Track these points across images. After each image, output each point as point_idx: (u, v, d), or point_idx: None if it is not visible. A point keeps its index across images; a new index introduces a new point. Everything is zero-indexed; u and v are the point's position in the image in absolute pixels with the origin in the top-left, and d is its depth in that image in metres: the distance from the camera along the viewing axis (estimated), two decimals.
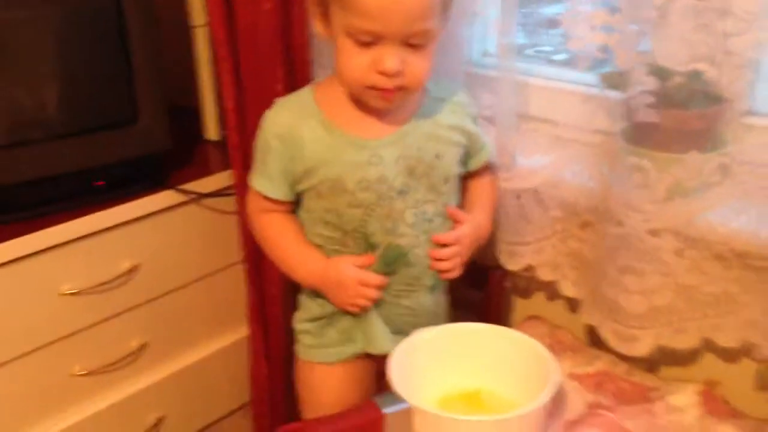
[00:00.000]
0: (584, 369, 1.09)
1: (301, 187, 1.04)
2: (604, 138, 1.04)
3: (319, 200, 1.03)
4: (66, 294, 1.24)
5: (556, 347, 1.13)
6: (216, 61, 1.30)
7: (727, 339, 1.02)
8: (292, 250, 1.07)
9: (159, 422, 1.44)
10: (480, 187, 1.13)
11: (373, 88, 0.96)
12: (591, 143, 1.06)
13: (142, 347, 1.39)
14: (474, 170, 1.11)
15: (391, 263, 1.04)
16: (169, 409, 1.45)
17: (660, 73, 0.95)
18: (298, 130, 1.01)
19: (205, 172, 1.39)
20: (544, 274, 1.16)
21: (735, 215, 0.96)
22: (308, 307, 1.12)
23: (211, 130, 1.50)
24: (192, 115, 1.51)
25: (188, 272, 1.41)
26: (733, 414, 1.00)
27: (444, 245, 1.05)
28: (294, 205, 1.08)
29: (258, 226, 1.11)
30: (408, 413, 0.88)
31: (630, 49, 0.95)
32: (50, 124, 1.19)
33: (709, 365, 1.11)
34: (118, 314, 1.33)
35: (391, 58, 0.92)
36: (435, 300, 1.10)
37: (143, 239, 1.32)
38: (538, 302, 1.28)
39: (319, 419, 0.96)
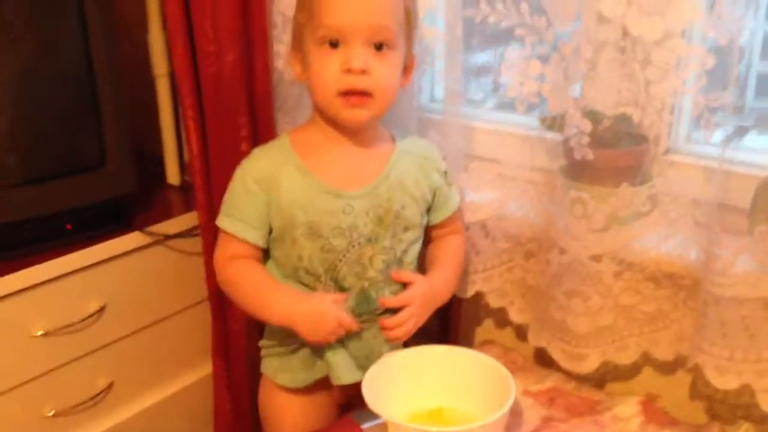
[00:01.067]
0: (537, 387, 1.17)
1: (275, 233, 1.08)
2: (545, 175, 1.14)
3: (293, 247, 1.07)
4: (37, 336, 1.27)
5: (510, 367, 1.19)
6: (182, 109, 1.36)
7: (663, 353, 1.13)
8: (265, 288, 1.07)
9: None
10: (443, 245, 1.18)
11: (342, 94, 1.02)
12: (533, 180, 1.16)
13: (109, 387, 1.42)
14: (438, 223, 1.16)
15: (362, 309, 1.09)
16: None
17: (592, 116, 1.07)
18: (276, 175, 1.06)
19: (168, 214, 1.45)
20: (493, 301, 1.25)
21: (664, 240, 1.08)
22: (275, 332, 1.15)
23: (173, 176, 1.56)
24: (153, 160, 1.57)
25: (154, 312, 1.46)
26: (671, 422, 1.09)
27: (392, 309, 1.09)
28: (263, 254, 1.11)
29: (227, 271, 1.10)
30: (383, 427, 0.95)
31: (562, 96, 1.06)
32: (22, 169, 1.23)
33: (649, 379, 1.21)
34: (86, 354, 1.36)
35: (357, 55, 1.00)
36: None
37: (110, 280, 1.36)
38: (489, 328, 1.38)
39: None
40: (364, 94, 1.02)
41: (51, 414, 1.33)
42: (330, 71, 1.01)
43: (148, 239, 1.39)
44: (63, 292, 1.29)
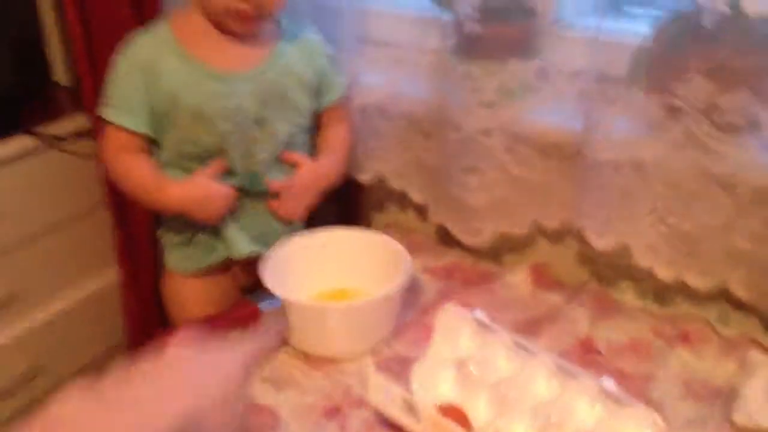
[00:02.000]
0: (435, 263, 1.22)
1: (159, 120, 1.07)
2: (438, 55, 1.15)
3: (177, 131, 1.07)
4: None
5: (411, 248, 1.22)
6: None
7: (551, 222, 1.17)
8: (151, 179, 1.08)
9: (34, 371, 1.44)
10: (330, 131, 1.20)
11: (231, 12, 1.01)
12: (426, 61, 1.17)
13: (11, 297, 1.39)
14: (326, 109, 1.18)
15: (252, 188, 1.12)
16: (44, 358, 1.45)
17: None
18: (157, 61, 1.05)
19: (57, 115, 1.39)
20: (393, 182, 1.27)
21: (551, 113, 1.11)
22: (171, 221, 1.17)
23: (60, 74, 1.48)
24: (39, 59, 1.48)
25: (49, 219, 1.42)
26: (557, 285, 1.16)
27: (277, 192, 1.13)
28: (150, 143, 1.10)
29: (116, 164, 1.10)
30: (282, 308, 0.97)
31: None
32: None
33: (541, 249, 1.26)
34: None
35: None
36: None
37: (1, 186, 1.31)
38: (394, 212, 1.40)
39: (197, 319, 1.03)
40: (255, 13, 1.02)
41: None
42: None
43: (37, 142, 1.34)
44: None
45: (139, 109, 1.06)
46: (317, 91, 1.15)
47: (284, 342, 1.02)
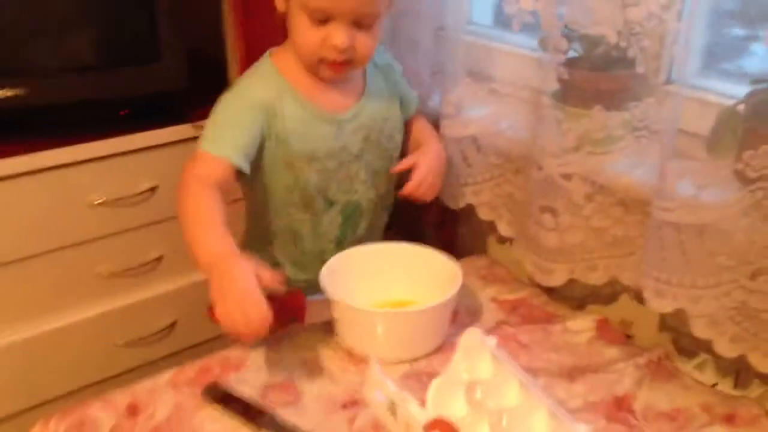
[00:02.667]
0: (506, 296, 1.24)
1: (269, 160, 1.11)
2: (535, 94, 1.18)
3: (288, 171, 1.13)
4: (95, 204, 1.48)
5: (490, 278, 1.29)
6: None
7: (628, 278, 1.15)
8: (208, 227, 0.99)
9: (171, 326, 1.67)
10: (419, 128, 1.27)
11: (323, 61, 1.08)
12: (524, 98, 1.20)
13: (159, 259, 1.62)
14: (409, 118, 1.27)
15: (349, 216, 1.21)
16: (181, 316, 1.67)
17: (577, 37, 1.09)
18: (275, 104, 1.09)
19: None
20: (484, 214, 1.31)
21: (634, 167, 1.09)
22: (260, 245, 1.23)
23: (234, 76, 1.70)
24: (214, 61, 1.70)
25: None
26: (621, 341, 1.13)
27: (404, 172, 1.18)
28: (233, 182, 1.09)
29: (189, 192, 1.04)
30: (327, 302, 1.06)
31: (550, 15, 1.09)
32: (84, 56, 1.43)
33: (626, 306, 1.23)
34: (138, 228, 1.56)
35: (341, 35, 1.04)
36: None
37: (162, 165, 1.54)
38: (491, 242, 1.44)
39: None
40: (346, 62, 1.08)
41: (104, 273, 1.55)
42: (313, 41, 1.05)
43: (197, 132, 1.55)
44: (118, 169, 1.50)
45: (244, 147, 1.07)
46: (400, 109, 1.24)
47: (331, 334, 1.11)
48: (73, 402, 1.02)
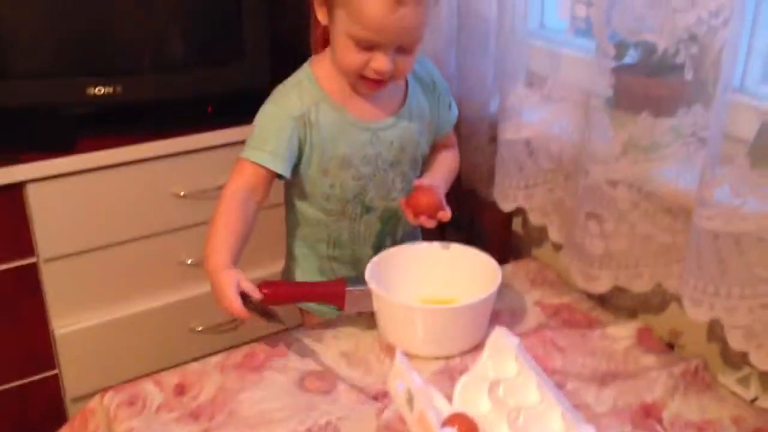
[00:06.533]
0: (551, 300, 1.25)
1: (306, 166, 1.16)
2: (587, 99, 1.18)
3: (325, 177, 1.18)
4: (180, 195, 1.60)
5: (538, 281, 1.30)
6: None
7: (674, 285, 1.13)
8: (220, 242, 1.11)
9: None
10: (442, 158, 1.30)
11: (363, 77, 1.11)
12: (578, 102, 1.21)
13: (258, 248, 1.70)
14: (437, 139, 1.28)
15: (387, 221, 1.26)
16: None
17: (632, 44, 1.09)
18: (312, 113, 1.14)
19: None
20: (535, 218, 1.33)
21: (681, 174, 1.08)
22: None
23: None
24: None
25: (279, 195, 1.72)
26: (661, 350, 1.12)
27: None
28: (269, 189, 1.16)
29: (221, 204, 1.13)
30: (366, 292, 1.11)
31: (602, 21, 1.10)
32: (173, 57, 1.56)
33: (676, 316, 1.21)
34: None
35: (385, 62, 1.07)
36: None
37: None
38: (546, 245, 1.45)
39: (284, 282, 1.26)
40: (384, 81, 1.12)
41: (188, 262, 1.66)
42: (356, 62, 1.09)
43: None
44: (202, 164, 1.60)
45: (285, 155, 1.13)
46: (435, 126, 1.26)
47: (373, 327, 1.16)
48: None
